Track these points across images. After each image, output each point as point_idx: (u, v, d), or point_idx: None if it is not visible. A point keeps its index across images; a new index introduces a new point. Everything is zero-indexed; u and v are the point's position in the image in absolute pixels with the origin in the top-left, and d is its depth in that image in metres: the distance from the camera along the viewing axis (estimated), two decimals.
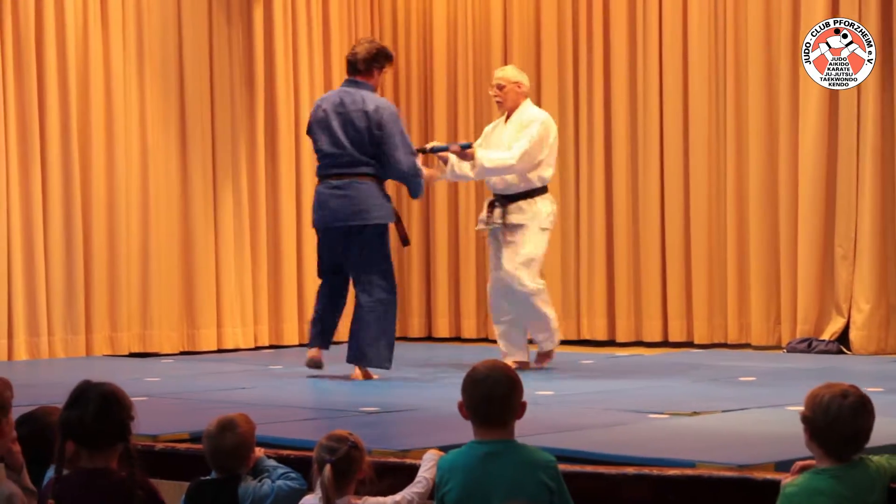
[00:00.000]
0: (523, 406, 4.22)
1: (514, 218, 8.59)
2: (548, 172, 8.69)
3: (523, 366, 8.54)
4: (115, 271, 10.42)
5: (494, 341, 9.03)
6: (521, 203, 8.62)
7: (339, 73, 11.63)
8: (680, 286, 10.61)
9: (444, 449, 4.87)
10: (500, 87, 8.75)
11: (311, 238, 11.27)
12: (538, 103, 10.92)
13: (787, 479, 4.07)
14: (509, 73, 8.88)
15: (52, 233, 10.15)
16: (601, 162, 10.99)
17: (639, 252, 10.81)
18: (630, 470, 4.75)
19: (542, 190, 8.68)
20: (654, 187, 10.73)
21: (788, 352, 9.85)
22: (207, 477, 4.71)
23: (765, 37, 10.18)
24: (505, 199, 8.64)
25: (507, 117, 8.80)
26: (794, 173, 10.01)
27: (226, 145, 10.96)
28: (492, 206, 8.67)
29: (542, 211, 8.64)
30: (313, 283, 11.29)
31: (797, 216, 9.98)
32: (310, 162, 10.22)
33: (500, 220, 8.59)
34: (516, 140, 8.59)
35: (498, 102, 8.84)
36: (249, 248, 11.08)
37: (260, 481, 4.63)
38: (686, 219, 10.60)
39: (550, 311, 8.69)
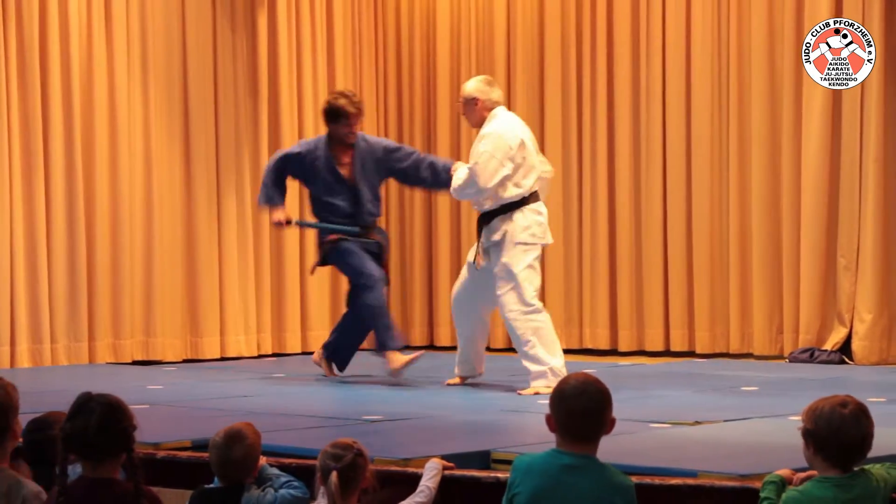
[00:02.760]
0: (613, 421, 4.08)
1: (492, 236, 8.12)
2: (524, 185, 8.05)
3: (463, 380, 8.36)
4: (119, 279, 10.42)
5: (496, 350, 8.96)
6: (497, 220, 8.11)
7: (343, 79, 11.64)
8: (682, 296, 10.61)
9: (445, 458, 4.89)
10: (462, 103, 8.31)
11: (314, 247, 11.32)
12: (541, 108, 10.98)
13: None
14: (466, 88, 8.26)
15: (56, 240, 10.15)
16: (604, 170, 10.98)
17: (641, 261, 10.80)
18: (632, 479, 4.74)
19: (519, 203, 8.07)
20: (657, 196, 10.73)
21: (790, 362, 9.85)
22: (210, 485, 4.71)
23: (768, 41, 10.17)
24: (484, 218, 8.19)
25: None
26: (796, 183, 10.01)
27: (229, 153, 10.96)
28: (479, 226, 8.26)
29: (518, 225, 8.05)
30: (316, 291, 11.37)
31: (800, 226, 9.98)
32: None
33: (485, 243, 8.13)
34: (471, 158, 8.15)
35: (465, 116, 8.41)
36: (253, 256, 11.07)
37: (263, 490, 4.63)
38: (688, 227, 10.60)
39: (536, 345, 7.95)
